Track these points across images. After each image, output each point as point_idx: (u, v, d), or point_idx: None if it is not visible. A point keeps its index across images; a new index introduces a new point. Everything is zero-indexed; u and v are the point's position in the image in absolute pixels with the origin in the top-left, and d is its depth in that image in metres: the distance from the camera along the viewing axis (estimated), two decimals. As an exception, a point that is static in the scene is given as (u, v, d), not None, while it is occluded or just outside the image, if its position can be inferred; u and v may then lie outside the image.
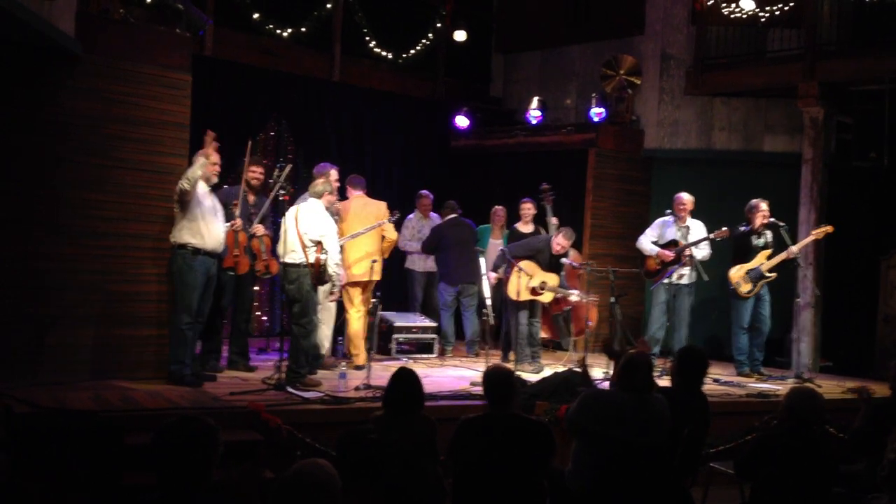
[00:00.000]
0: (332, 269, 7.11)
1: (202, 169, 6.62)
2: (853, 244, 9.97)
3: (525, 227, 9.46)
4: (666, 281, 8.74)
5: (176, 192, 6.64)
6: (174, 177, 6.85)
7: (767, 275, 8.60)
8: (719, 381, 8.13)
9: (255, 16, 9.94)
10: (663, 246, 8.85)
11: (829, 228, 8.63)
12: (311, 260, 6.97)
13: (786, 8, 9.87)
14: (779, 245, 8.73)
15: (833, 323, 9.76)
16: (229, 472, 4.65)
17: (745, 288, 8.63)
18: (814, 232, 8.72)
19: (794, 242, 8.76)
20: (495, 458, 4.29)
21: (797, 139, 10.02)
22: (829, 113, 9.57)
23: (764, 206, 8.68)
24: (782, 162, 10.26)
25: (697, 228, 8.90)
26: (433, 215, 10.05)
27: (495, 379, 4.55)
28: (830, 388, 8.18)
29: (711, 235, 8.68)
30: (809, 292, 9.28)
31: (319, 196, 7.30)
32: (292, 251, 7.03)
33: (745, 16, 10.03)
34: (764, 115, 10.62)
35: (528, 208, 9.47)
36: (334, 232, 7.28)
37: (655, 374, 7.63)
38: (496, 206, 10.00)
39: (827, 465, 4.51)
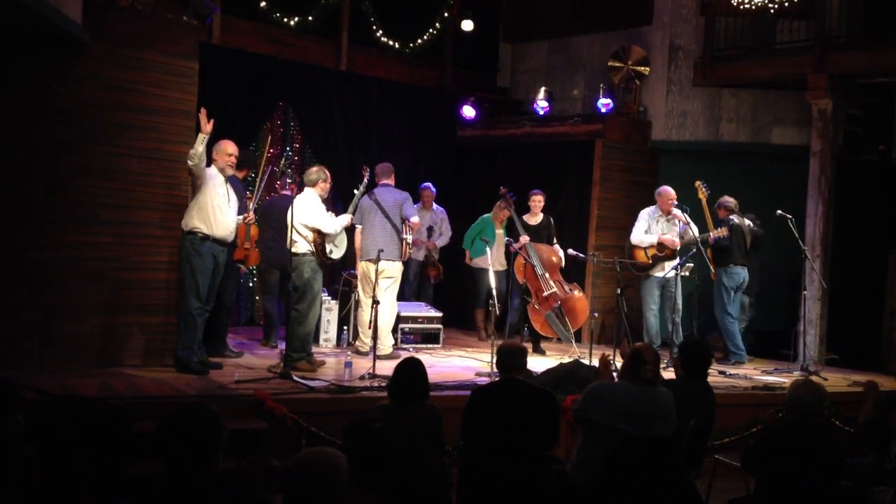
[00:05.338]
0: (336, 253, 7.37)
1: (202, 144, 6.54)
2: (861, 237, 9.93)
3: (533, 219, 9.36)
4: (660, 275, 8.70)
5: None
6: (180, 164, 6.85)
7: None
8: (725, 373, 8.12)
9: (263, 4, 9.90)
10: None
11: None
12: (305, 249, 7.23)
13: (795, -1, 9.83)
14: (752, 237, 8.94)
15: (839, 316, 9.73)
16: (238, 460, 4.67)
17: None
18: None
19: (801, 236, 8.72)
20: (504, 419, 4.59)
21: (806, 131, 9.98)
22: (838, 105, 9.53)
23: (730, 202, 8.89)
24: (790, 154, 10.21)
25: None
26: (436, 208, 10.07)
27: (508, 349, 4.99)
28: (836, 380, 8.16)
29: (712, 236, 8.65)
30: (816, 285, 9.25)
31: (313, 185, 7.45)
32: (294, 241, 7.13)
33: (754, 7, 9.98)
34: (772, 107, 10.58)
35: (538, 200, 9.34)
36: (321, 217, 7.33)
37: (661, 365, 7.70)
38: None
39: (833, 458, 4.50)
